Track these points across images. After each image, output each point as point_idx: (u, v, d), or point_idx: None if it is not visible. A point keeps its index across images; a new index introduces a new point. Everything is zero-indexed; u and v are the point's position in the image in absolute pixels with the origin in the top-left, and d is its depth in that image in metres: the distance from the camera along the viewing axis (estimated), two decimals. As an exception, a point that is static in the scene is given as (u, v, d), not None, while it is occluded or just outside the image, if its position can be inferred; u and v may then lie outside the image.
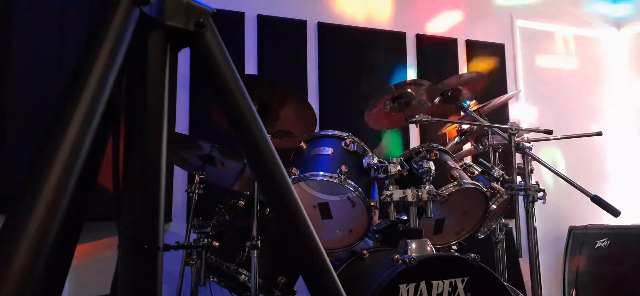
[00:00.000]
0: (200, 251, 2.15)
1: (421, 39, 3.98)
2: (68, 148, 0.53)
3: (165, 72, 0.69)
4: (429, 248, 1.93)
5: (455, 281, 1.78)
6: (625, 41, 4.69)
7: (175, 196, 3.13)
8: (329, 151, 2.15)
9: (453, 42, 4.08)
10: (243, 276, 2.07)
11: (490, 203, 2.25)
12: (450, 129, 2.98)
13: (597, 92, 4.57)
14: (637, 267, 3.40)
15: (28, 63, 2.86)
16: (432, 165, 1.96)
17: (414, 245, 1.90)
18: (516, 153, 2.17)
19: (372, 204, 2.04)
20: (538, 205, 2.16)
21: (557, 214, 3.96)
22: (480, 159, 2.60)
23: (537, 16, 4.44)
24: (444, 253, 2.12)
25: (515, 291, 2.26)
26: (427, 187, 1.93)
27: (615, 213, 2.09)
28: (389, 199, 1.94)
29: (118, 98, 0.67)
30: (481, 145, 2.52)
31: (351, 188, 2.01)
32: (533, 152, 2.20)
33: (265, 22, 3.55)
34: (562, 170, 2.21)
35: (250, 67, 3.47)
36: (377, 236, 2.41)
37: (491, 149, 2.53)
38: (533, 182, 2.13)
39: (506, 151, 2.35)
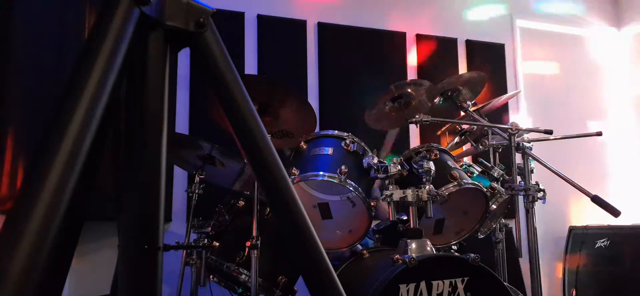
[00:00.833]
0: (200, 251, 2.16)
1: (421, 39, 3.98)
2: (68, 148, 0.53)
3: (165, 72, 0.69)
4: (429, 248, 1.93)
5: (455, 281, 1.78)
6: (625, 41, 4.69)
7: (175, 196, 3.13)
8: (329, 151, 2.15)
9: (453, 42, 4.08)
10: (243, 276, 2.07)
11: (490, 203, 2.25)
12: (450, 128, 2.97)
13: (597, 92, 4.57)
14: (637, 267, 3.40)
15: (28, 63, 2.86)
16: (432, 165, 1.97)
17: (414, 245, 1.90)
18: (516, 153, 2.17)
19: (372, 204, 2.05)
20: (538, 205, 2.16)
21: (557, 214, 3.97)
22: (480, 159, 2.60)
23: (537, 16, 4.44)
24: (444, 253, 2.12)
25: (515, 291, 2.26)
26: (427, 187, 1.93)
27: (615, 213, 2.09)
28: (389, 199, 1.94)
29: (118, 98, 0.67)
30: (481, 145, 2.52)
31: (351, 188, 2.01)
32: (533, 152, 2.20)
33: (265, 22, 3.55)
34: (562, 170, 2.21)
35: (250, 67, 3.47)
36: (377, 236, 2.41)
37: (491, 149, 2.53)
38: (533, 182, 2.13)
39: (506, 151, 2.35)
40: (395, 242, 2.01)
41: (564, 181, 2.20)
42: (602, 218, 2.78)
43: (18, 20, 2.88)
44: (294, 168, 2.08)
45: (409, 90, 2.43)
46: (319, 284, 0.78)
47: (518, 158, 2.18)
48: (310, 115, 2.33)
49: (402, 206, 2.01)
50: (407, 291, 1.72)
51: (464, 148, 2.80)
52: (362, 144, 2.23)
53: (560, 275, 3.82)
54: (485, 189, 2.18)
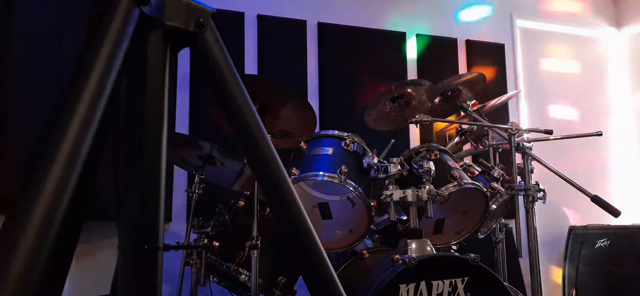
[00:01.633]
0: (200, 251, 2.15)
1: (421, 39, 3.98)
2: (68, 148, 0.53)
3: (165, 72, 0.69)
4: (429, 248, 1.93)
5: (455, 281, 1.78)
6: (625, 41, 4.69)
7: (175, 196, 3.13)
8: (329, 151, 2.15)
9: (453, 42, 4.08)
10: (243, 276, 2.07)
11: (490, 203, 2.25)
12: (450, 129, 2.98)
13: (597, 92, 4.57)
14: (637, 267, 3.40)
15: (28, 63, 2.86)
16: (432, 165, 1.96)
17: (414, 245, 1.90)
18: (516, 153, 2.17)
19: (372, 204, 2.05)
20: (538, 205, 2.16)
21: (557, 214, 3.96)
22: (480, 159, 2.60)
23: (537, 16, 4.44)
24: (444, 253, 2.12)
25: (515, 291, 2.26)
26: (427, 187, 1.93)
27: (615, 213, 2.09)
28: (389, 199, 1.94)
29: (118, 98, 0.67)
30: (481, 145, 2.52)
31: (351, 188, 2.01)
32: (533, 152, 2.20)
33: (265, 22, 3.55)
34: (562, 170, 2.21)
35: (250, 67, 3.47)
36: (377, 236, 2.41)
37: (491, 149, 2.53)
38: (533, 182, 2.13)
39: (506, 151, 2.35)
40: (395, 242, 2.01)
41: (564, 181, 2.20)
42: (602, 218, 2.78)
43: (18, 20, 2.88)
44: (294, 168, 2.08)
45: (409, 90, 2.44)
46: (319, 284, 0.78)
47: (518, 158, 2.18)
48: (310, 115, 2.33)
49: (402, 206, 2.01)
50: (407, 291, 1.72)
51: (464, 147, 2.80)
52: (362, 144, 2.23)
53: (560, 275, 3.82)
54: (485, 189, 2.18)
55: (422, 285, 1.74)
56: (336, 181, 1.99)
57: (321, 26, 3.70)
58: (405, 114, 2.44)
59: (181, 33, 0.70)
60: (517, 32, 4.33)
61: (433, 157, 2.14)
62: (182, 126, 3.26)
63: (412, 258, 1.75)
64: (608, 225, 3.59)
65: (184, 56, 3.15)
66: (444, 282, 1.77)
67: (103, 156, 0.70)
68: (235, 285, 2.19)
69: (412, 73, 3.92)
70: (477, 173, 2.41)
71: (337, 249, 2.18)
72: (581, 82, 4.51)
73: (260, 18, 3.54)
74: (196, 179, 2.41)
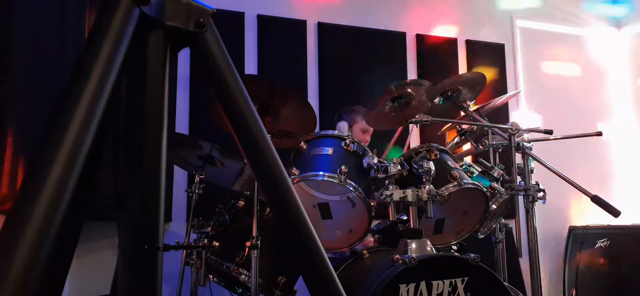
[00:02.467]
0: (200, 251, 2.15)
1: (421, 39, 3.98)
2: (68, 147, 0.53)
3: (165, 72, 0.69)
4: (429, 248, 1.93)
5: (455, 281, 1.78)
6: (625, 41, 4.69)
7: (175, 196, 3.13)
8: (329, 151, 2.15)
9: (453, 42, 4.08)
10: (243, 276, 2.07)
11: (490, 203, 2.25)
12: (450, 129, 2.98)
13: (597, 92, 4.57)
14: (637, 267, 3.40)
15: (28, 63, 2.86)
16: (432, 165, 1.96)
17: (414, 245, 1.90)
18: (516, 153, 2.17)
19: (372, 204, 2.04)
20: (538, 205, 2.16)
21: (557, 214, 3.96)
22: (480, 159, 2.60)
23: (537, 16, 4.44)
24: (444, 253, 2.12)
25: (515, 291, 2.26)
26: (427, 187, 1.93)
27: (615, 213, 2.09)
28: (389, 199, 1.94)
29: (118, 98, 0.67)
30: (481, 145, 2.52)
31: (351, 188, 2.01)
32: (533, 152, 2.20)
33: (265, 22, 3.55)
34: (562, 170, 2.21)
35: (250, 67, 3.47)
36: (377, 236, 2.41)
37: (491, 149, 2.53)
38: (533, 182, 2.13)
39: (506, 151, 2.35)
40: (395, 242, 2.01)
41: (564, 181, 2.20)
42: (602, 218, 2.78)
43: (18, 20, 2.88)
44: (294, 168, 2.08)
45: (409, 90, 2.43)
46: (319, 284, 0.78)
47: (518, 158, 2.18)
48: (310, 115, 2.32)
49: (402, 206, 2.01)
50: (407, 291, 1.72)
51: (464, 147, 2.80)
52: (362, 144, 2.23)
53: (560, 275, 3.82)
54: (485, 189, 2.18)
55: (422, 285, 1.74)
56: (336, 181, 1.99)
57: (321, 26, 3.70)
58: (405, 114, 2.44)
59: (181, 33, 0.70)
60: (517, 32, 4.33)
61: (433, 157, 2.14)
62: (182, 126, 3.26)
63: (412, 258, 1.75)
64: (608, 225, 3.59)
65: (184, 56, 3.15)
66: (444, 282, 1.77)
67: (103, 156, 0.70)
68: (235, 285, 2.19)
69: (412, 73, 3.92)
70: (477, 173, 2.41)
71: (337, 249, 2.18)
72: (581, 82, 4.51)
73: (260, 18, 3.54)
74: (196, 179, 2.41)
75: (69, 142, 0.53)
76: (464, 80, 2.55)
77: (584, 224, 3.79)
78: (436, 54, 4.00)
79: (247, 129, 0.75)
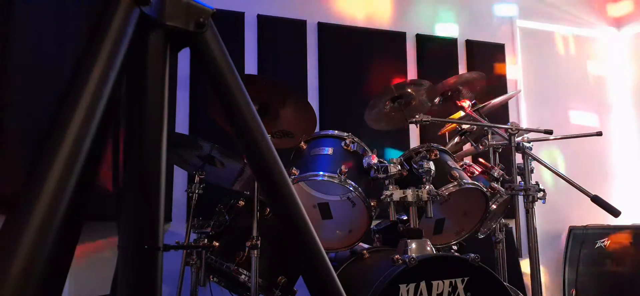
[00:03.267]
0: (200, 251, 2.15)
1: (421, 39, 3.98)
2: (68, 148, 0.53)
3: (165, 72, 0.69)
4: (429, 248, 1.93)
5: (455, 281, 1.78)
6: (625, 41, 4.69)
7: (175, 196, 3.13)
8: (329, 151, 2.15)
9: (453, 42, 4.08)
10: (243, 276, 2.07)
11: (490, 203, 2.25)
12: (450, 129, 2.98)
13: (597, 92, 4.57)
14: (637, 267, 3.40)
15: (28, 63, 2.86)
16: (432, 165, 1.96)
17: (414, 245, 1.90)
18: (516, 153, 2.17)
19: (372, 204, 2.04)
20: (538, 205, 2.16)
21: (557, 214, 3.96)
22: (480, 159, 2.60)
23: (537, 16, 4.44)
24: (444, 253, 2.12)
25: (515, 291, 2.26)
26: (427, 187, 1.93)
27: (615, 213, 2.09)
28: (389, 199, 1.94)
29: (118, 98, 0.67)
30: (481, 145, 2.52)
31: (351, 188, 2.01)
32: (533, 152, 2.20)
33: (265, 22, 3.55)
34: (562, 170, 2.21)
35: (250, 67, 3.47)
36: (377, 236, 2.41)
37: (491, 149, 2.53)
38: (533, 182, 2.13)
39: (506, 151, 2.35)
40: (395, 242, 2.01)
41: (564, 181, 2.20)
42: (602, 218, 2.78)
43: (18, 20, 2.88)
44: (294, 168, 2.08)
45: (409, 90, 2.44)
46: (319, 284, 0.78)
47: (518, 158, 2.18)
48: (310, 115, 2.33)
49: (402, 206, 2.01)
50: (407, 291, 1.72)
51: (464, 147, 2.80)
52: (362, 144, 2.23)
53: (560, 275, 3.82)
54: (485, 189, 2.18)
55: (422, 285, 1.74)
56: (336, 181, 1.99)
57: (321, 26, 3.70)
58: (405, 114, 2.44)
59: (181, 33, 0.70)
60: (517, 32, 4.33)
61: (433, 157, 2.14)
62: (182, 126, 3.26)
63: (412, 258, 1.75)
64: (608, 225, 3.59)
65: (184, 56, 3.15)
66: (444, 282, 1.77)
67: (103, 156, 0.70)
68: (235, 285, 2.18)
69: (412, 73, 3.92)
70: (477, 173, 2.41)
71: (337, 249, 2.18)
72: (581, 82, 4.51)
73: (260, 18, 3.54)
74: (196, 179, 2.41)
75: (69, 142, 0.53)
76: (464, 80, 2.55)
77: (584, 224, 3.79)
78: (436, 54, 4.00)
79: (247, 129, 0.75)
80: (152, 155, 0.67)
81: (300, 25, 3.64)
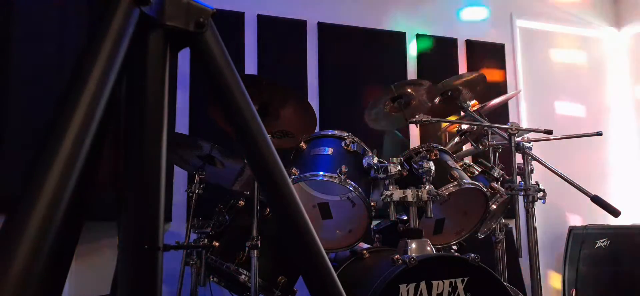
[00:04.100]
0: (200, 251, 2.15)
1: (421, 39, 3.98)
2: (68, 148, 0.53)
3: (165, 72, 0.69)
4: (429, 248, 1.93)
5: (455, 281, 1.78)
6: (625, 41, 4.69)
7: (175, 196, 3.13)
8: (329, 151, 2.15)
9: (453, 42, 4.08)
10: (243, 276, 2.07)
11: (490, 203, 2.25)
12: (450, 129, 2.98)
13: (597, 92, 4.57)
14: (637, 267, 3.40)
15: (28, 63, 2.86)
16: (432, 165, 1.96)
17: (414, 245, 1.90)
18: (516, 153, 2.17)
19: (372, 204, 2.04)
20: (538, 205, 2.16)
21: (557, 214, 3.96)
22: (480, 159, 2.60)
23: (537, 16, 4.44)
24: (444, 253, 2.12)
25: (515, 291, 2.26)
26: (427, 187, 1.93)
27: (615, 213, 2.09)
28: (389, 199, 1.94)
29: (118, 98, 0.67)
30: (481, 145, 2.52)
31: (351, 188, 2.01)
32: (533, 152, 2.20)
33: (265, 22, 3.55)
34: (562, 170, 2.21)
35: (250, 67, 3.47)
36: (377, 236, 2.41)
37: (491, 149, 2.53)
38: (533, 182, 2.13)
39: (506, 151, 2.35)
40: (395, 242, 2.01)
41: (564, 181, 2.20)
42: (602, 218, 2.78)
43: (18, 20, 2.88)
44: (294, 168, 2.08)
45: (409, 90, 2.44)
46: (319, 284, 0.78)
47: (518, 158, 2.18)
48: (310, 115, 2.33)
49: (402, 206, 2.01)
50: (407, 291, 1.72)
51: (464, 147, 2.80)
52: (362, 144, 2.23)
53: (560, 275, 3.81)
54: (485, 189, 2.18)
55: (422, 285, 1.74)
56: (336, 181, 1.99)
57: (321, 26, 3.70)
58: (405, 114, 2.44)
59: (181, 33, 0.70)
60: (517, 32, 4.33)
61: (433, 157, 2.14)
62: (182, 126, 3.26)
63: (412, 258, 1.75)
64: (608, 225, 3.59)
65: (184, 56, 3.15)
66: (444, 282, 1.77)
67: (103, 155, 0.70)
68: (235, 285, 2.18)
69: (412, 73, 3.92)
70: (477, 173, 2.41)
71: (337, 249, 2.18)
72: (581, 82, 4.51)
73: (260, 18, 3.54)
74: (196, 179, 2.41)
75: (69, 142, 0.53)
76: (464, 80, 2.55)
77: (584, 224, 3.79)
78: (436, 54, 4.00)
79: (247, 129, 0.75)
80: (152, 155, 0.67)
81: (300, 25, 3.64)
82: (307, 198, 2.14)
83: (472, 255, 1.82)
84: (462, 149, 2.81)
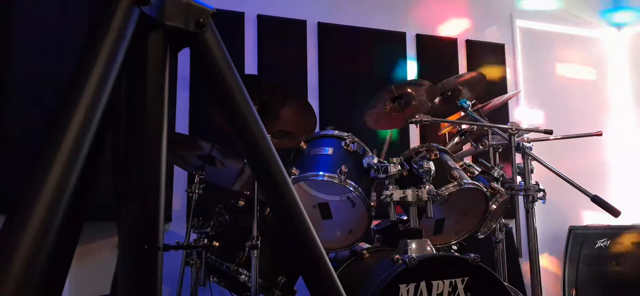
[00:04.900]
0: (200, 251, 2.15)
1: (421, 39, 3.98)
2: (68, 147, 0.53)
3: (165, 72, 0.69)
4: (429, 248, 1.93)
5: (455, 281, 1.78)
6: (625, 41, 4.69)
7: (175, 196, 3.13)
8: (329, 151, 2.15)
9: (453, 42, 4.08)
10: (243, 276, 2.07)
11: (490, 203, 2.25)
12: (450, 130, 2.98)
13: (597, 92, 4.57)
14: (637, 267, 3.40)
15: (28, 63, 2.86)
16: (432, 165, 1.96)
17: (414, 245, 1.90)
18: (516, 153, 2.17)
19: (372, 204, 2.04)
20: (538, 205, 2.15)
21: (557, 214, 3.96)
22: (480, 159, 2.60)
23: (537, 16, 4.44)
24: (444, 253, 2.12)
25: (515, 291, 2.26)
26: (427, 187, 1.93)
27: (615, 213, 2.09)
28: (389, 199, 1.94)
29: (118, 98, 0.67)
30: (481, 145, 2.52)
31: (351, 188, 2.01)
32: (533, 152, 2.20)
33: (265, 22, 3.55)
34: (562, 170, 2.21)
35: (250, 67, 3.47)
36: (377, 236, 2.41)
37: (491, 149, 2.53)
38: (533, 182, 2.13)
39: (506, 151, 2.35)
40: (395, 242, 2.01)
41: (564, 181, 2.20)
42: (602, 218, 2.78)
43: (18, 20, 2.88)
44: (294, 168, 2.08)
45: (409, 90, 2.44)
46: (319, 284, 0.78)
47: (518, 158, 2.18)
48: (310, 115, 2.33)
49: (402, 206, 2.01)
50: (407, 291, 1.72)
51: (464, 147, 2.80)
52: (362, 144, 2.23)
53: (560, 275, 3.81)
54: (485, 189, 2.18)
55: (422, 285, 1.74)
56: (336, 181, 1.99)
57: (321, 26, 3.70)
58: (405, 114, 2.44)
59: (181, 33, 0.70)
60: (517, 32, 4.33)
61: (433, 157, 2.14)
62: (182, 126, 3.25)
63: (412, 258, 1.75)
64: (608, 225, 3.59)
65: (184, 56, 3.14)
66: (444, 282, 1.77)
67: (103, 155, 0.70)
68: (235, 285, 2.18)
69: (412, 73, 3.92)
70: (477, 173, 2.41)
71: (337, 249, 2.18)
72: (581, 82, 4.51)
73: (260, 18, 3.54)
74: (196, 179, 2.41)
75: (69, 142, 0.53)
76: (464, 80, 2.55)
77: (584, 224, 3.79)
78: (436, 54, 4.00)
79: (247, 129, 0.75)
80: (152, 155, 0.67)
81: (300, 25, 3.64)
82: (307, 198, 2.14)
83: (472, 255, 1.82)
84: (462, 149, 2.81)
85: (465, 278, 1.79)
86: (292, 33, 3.62)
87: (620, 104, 4.61)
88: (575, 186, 2.15)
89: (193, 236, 2.33)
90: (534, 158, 2.22)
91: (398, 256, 1.80)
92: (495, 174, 2.41)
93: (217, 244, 2.17)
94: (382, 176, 1.99)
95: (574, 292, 3.65)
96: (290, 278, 2.13)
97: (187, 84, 3.30)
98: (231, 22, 3.44)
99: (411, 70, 3.92)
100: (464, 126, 2.65)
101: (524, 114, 4.21)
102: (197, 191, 2.39)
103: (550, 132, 2.26)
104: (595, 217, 3.49)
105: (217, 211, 2.33)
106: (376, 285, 1.73)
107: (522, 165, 2.16)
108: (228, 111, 0.75)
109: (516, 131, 2.16)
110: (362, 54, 3.76)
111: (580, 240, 3.72)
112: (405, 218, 2.11)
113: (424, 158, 2.03)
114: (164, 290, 0.69)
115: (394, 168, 1.96)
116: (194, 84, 3.30)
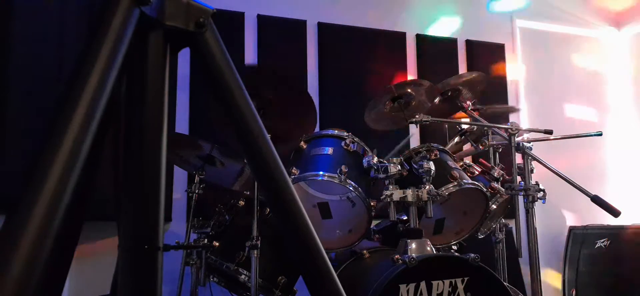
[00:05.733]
0: (200, 251, 2.15)
1: (421, 39, 3.98)
2: (68, 148, 0.53)
3: (165, 72, 0.69)
4: (429, 248, 1.93)
5: (455, 281, 1.78)
6: (625, 41, 4.69)
7: (175, 196, 3.13)
8: (329, 151, 2.15)
9: (453, 42, 4.08)
10: (243, 276, 2.07)
11: (490, 203, 2.25)
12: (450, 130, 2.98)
13: (597, 92, 4.56)
14: (637, 267, 3.40)
15: (28, 63, 2.86)
16: (432, 165, 1.96)
17: (414, 245, 1.90)
18: (516, 153, 2.17)
19: (372, 204, 2.04)
20: (538, 205, 2.16)
21: (557, 214, 3.96)
22: (480, 159, 2.60)
23: (537, 16, 4.44)
24: (444, 253, 2.12)
25: (515, 291, 2.26)
26: (427, 187, 1.93)
27: (615, 213, 2.09)
28: (389, 199, 1.94)
29: (118, 98, 0.67)
30: (481, 145, 2.52)
31: (351, 188, 2.01)
32: (533, 152, 2.20)
33: (265, 22, 3.55)
34: (562, 170, 2.21)
35: (250, 67, 3.47)
36: (377, 236, 2.41)
37: (491, 149, 2.53)
38: (533, 182, 2.13)
39: (506, 151, 2.35)
40: (395, 242, 2.01)
41: (564, 181, 2.20)
42: (602, 218, 2.78)
43: (18, 20, 2.88)
44: (294, 168, 2.08)
45: (409, 90, 2.44)
46: (319, 284, 0.78)
47: (518, 158, 2.18)
48: (310, 115, 2.33)
49: (402, 206, 2.01)
50: (407, 291, 1.72)
51: (464, 147, 2.80)
52: (362, 144, 2.23)
53: (560, 275, 3.81)
54: (485, 189, 2.18)
55: (422, 285, 1.74)
56: (336, 181, 1.99)
57: (321, 26, 3.70)
58: (405, 114, 2.44)
59: (181, 33, 0.70)
60: (517, 32, 4.33)
61: (433, 157, 2.14)
62: (182, 126, 3.25)
63: (412, 258, 1.75)
64: (608, 225, 3.59)
65: (184, 56, 3.15)
66: (444, 282, 1.77)
67: (103, 156, 0.70)
68: (235, 285, 2.18)
69: (412, 73, 3.92)
70: (477, 173, 2.41)
71: (337, 249, 2.18)
72: (581, 82, 4.51)
73: (260, 18, 3.54)
74: (196, 179, 2.41)
75: (69, 142, 0.53)
76: (464, 80, 2.55)
77: (584, 224, 3.79)
78: (436, 54, 4.00)
79: (247, 129, 0.75)
80: (152, 155, 0.67)
81: (300, 25, 3.64)
82: (307, 197, 2.14)
83: (472, 255, 1.82)
84: (462, 149, 2.81)
85: (465, 278, 1.79)
86: (292, 33, 3.62)
87: (620, 104, 4.61)
88: (575, 186, 2.15)
89: (193, 236, 2.33)
90: (534, 158, 2.22)
91: (398, 256, 1.80)
92: (495, 174, 2.41)
93: (217, 244, 2.17)
94: (382, 176, 1.99)
95: (573, 292, 3.65)
96: (290, 278, 2.13)
97: (187, 84, 3.30)
98: (231, 22, 3.44)
99: (411, 70, 3.92)
100: (464, 126, 2.65)
101: (524, 114, 4.21)
102: (197, 191, 2.39)
103: (550, 132, 2.26)
104: (595, 217, 3.49)
105: (217, 211, 2.33)
106: (376, 285, 1.73)
107: (522, 165, 2.16)
108: (228, 110, 0.75)
109: (516, 131, 2.17)
110: (362, 54, 3.76)
111: (580, 240, 3.72)
112: (405, 218, 2.11)
113: (424, 158, 2.03)
114: (164, 290, 0.69)
115: (394, 168, 1.97)
116: (194, 84, 3.31)
